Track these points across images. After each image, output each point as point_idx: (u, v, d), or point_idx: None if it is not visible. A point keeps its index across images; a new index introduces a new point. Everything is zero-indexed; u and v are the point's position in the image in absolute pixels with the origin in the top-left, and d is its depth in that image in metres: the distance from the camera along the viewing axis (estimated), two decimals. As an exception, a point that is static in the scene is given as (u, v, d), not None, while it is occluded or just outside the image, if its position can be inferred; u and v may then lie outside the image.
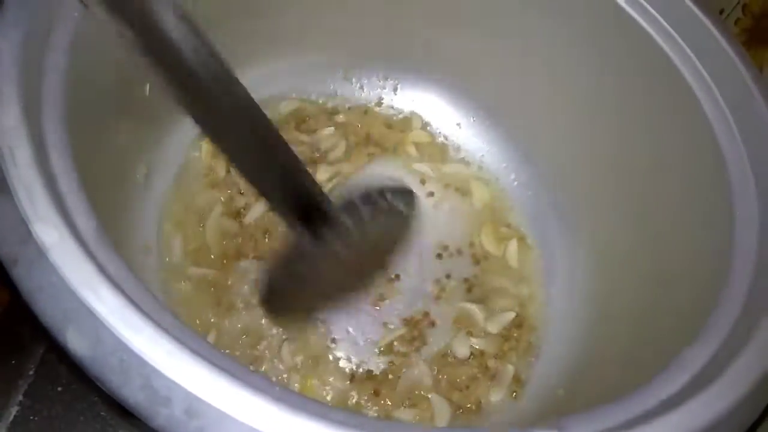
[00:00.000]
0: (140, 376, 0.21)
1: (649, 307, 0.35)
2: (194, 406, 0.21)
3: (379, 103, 0.51)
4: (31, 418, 0.40)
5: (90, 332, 0.21)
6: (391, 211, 0.33)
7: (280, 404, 0.21)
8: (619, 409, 0.25)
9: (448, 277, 0.45)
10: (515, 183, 0.49)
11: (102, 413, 0.40)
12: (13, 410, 0.39)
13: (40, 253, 0.22)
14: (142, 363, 0.21)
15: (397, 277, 0.44)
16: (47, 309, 0.22)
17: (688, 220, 0.36)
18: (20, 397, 0.40)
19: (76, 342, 0.21)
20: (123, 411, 0.40)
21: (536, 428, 0.24)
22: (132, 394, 0.21)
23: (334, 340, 0.41)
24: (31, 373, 0.41)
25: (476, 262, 0.46)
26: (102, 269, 0.22)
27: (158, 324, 0.22)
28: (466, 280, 0.45)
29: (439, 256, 0.46)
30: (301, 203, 0.29)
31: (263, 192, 0.29)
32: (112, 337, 0.21)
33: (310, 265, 0.31)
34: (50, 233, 0.22)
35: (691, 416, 0.24)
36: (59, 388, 0.41)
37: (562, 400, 0.36)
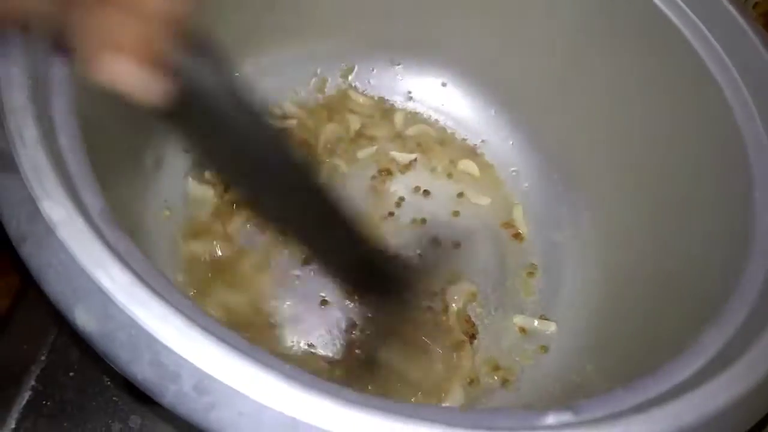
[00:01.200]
0: (149, 352, 0.21)
1: (665, 291, 0.35)
2: (204, 383, 0.21)
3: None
4: (44, 402, 0.40)
5: (99, 309, 0.21)
6: None
7: (291, 381, 0.21)
8: (633, 393, 0.24)
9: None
10: (524, 169, 0.49)
11: (114, 398, 0.40)
12: (26, 395, 0.40)
13: (48, 231, 0.22)
14: (151, 339, 0.21)
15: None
16: (56, 286, 0.22)
17: (706, 202, 0.35)
18: (33, 383, 0.40)
19: (85, 319, 0.21)
20: (135, 395, 0.40)
21: (550, 411, 0.23)
22: (141, 370, 0.21)
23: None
24: (43, 358, 0.41)
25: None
26: (110, 247, 0.22)
27: (167, 300, 0.21)
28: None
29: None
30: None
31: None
32: (121, 314, 0.21)
33: None
34: (58, 211, 0.22)
35: (705, 400, 0.24)
36: (71, 374, 0.41)
37: (575, 383, 0.36)
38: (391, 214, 0.46)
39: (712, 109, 0.36)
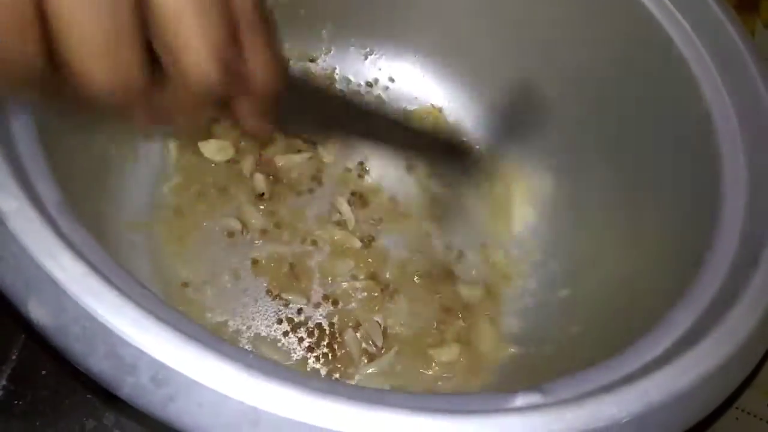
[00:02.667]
0: (105, 345, 0.20)
1: (633, 270, 0.35)
2: (161, 374, 0.20)
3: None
4: (16, 402, 0.39)
5: (52, 301, 0.21)
6: None
7: (251, 370, 0.20)
8: (602, 372, 0.24)
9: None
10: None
11: (88, 395, 0.40)
12: (-3, 395, 0.39)
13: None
14: (106, 331, 0.20)
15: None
16: (8, 279, 0.21)
17: (675, 180, 0.35)
18: (3, 382, 0.39)
19: (38, 311, 0.21)
20: (110, 394, 0.40)
21: (519, 393, 0.23)
22: (96, 363, 0.20)
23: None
24: (14, 357, 0.40)
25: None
26: (64, 237, 0.22)
27: (123, 291, 0.21)
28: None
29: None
30: None
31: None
32: (75, 306, 0.21)
33: None
34: (9, 202, 0.22)
35: (673, 378, 0.24)
36: (43, 372, 0.40)
37: (544, 362, 0.35)
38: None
39: (681, 88, 0.36)
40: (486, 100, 0.48)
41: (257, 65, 0.24)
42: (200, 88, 0.21)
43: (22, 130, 0.25)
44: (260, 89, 0.25)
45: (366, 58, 0.49)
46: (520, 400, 0.23)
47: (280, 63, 0.25)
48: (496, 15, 0.45)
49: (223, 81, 0.22)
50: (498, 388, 0.37)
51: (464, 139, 0.48)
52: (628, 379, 0.24)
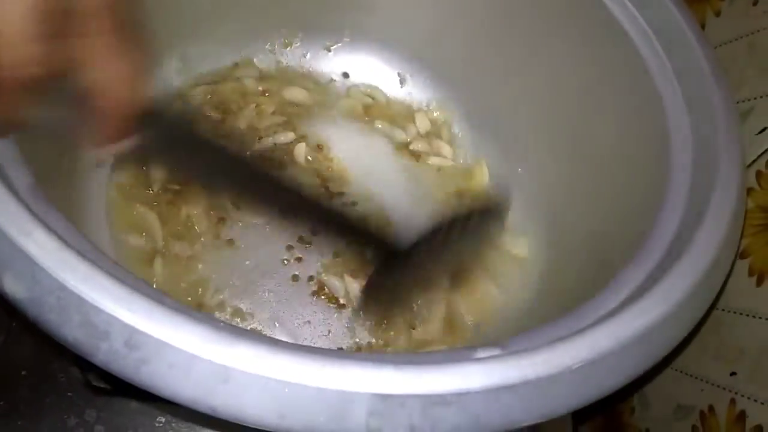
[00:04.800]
0: (78, 314, 0.21)
1: (594, 233, 0.36)
2: (134, 338, 0.21)
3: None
4: (-3, 403, 0.39)
5: (26, 275, 0.22)
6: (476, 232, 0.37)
7: (220, 331, 0.22)
8: (558, 327, 0.26)
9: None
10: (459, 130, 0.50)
11: (68, 393, 0.40)
12: (-23, 396, 0.39)
13: (-28, 205, 0.22)
14: (79, 300, 0.21)
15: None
16: (-17, 257, 0.22)
17: (629, 153, 0.37)
18: (-17, 383, 0.40)
19: (13, 286, 0.22)
20: (91, 390, 0.40)
21: (479, 347, 0.24)
22: (71, 331, 0.21)
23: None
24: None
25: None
26: (37, 216, 0.23)
27: (94, 262, 0.22)
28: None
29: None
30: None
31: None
32: (49, 278, 0.21)
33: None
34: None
35: (621, 328, 0.25)
36: (23, 372, 0.40)
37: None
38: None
39: (630, 69, 0.38)
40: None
41: (106, 72, 0.24)
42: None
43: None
44: (108, 100, 0.25)
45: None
46: (481, 353, 0.24)
47: (130, 75, 0.25)
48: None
49: (38, 69, 0.22)
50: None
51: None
52: (580, 332, 0.25)
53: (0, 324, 0.41)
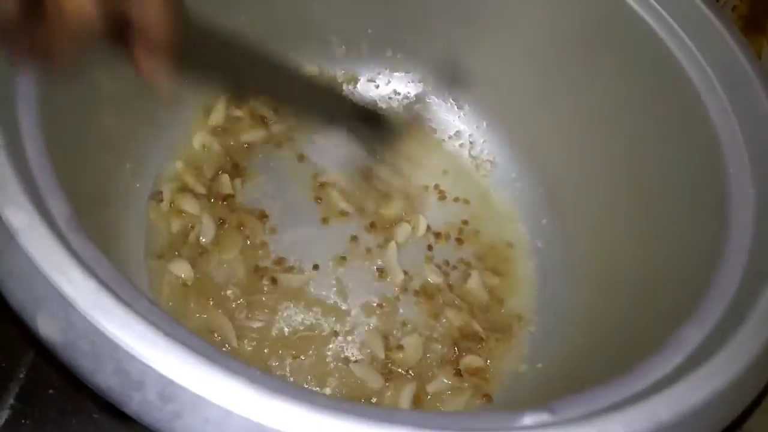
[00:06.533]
0: (112, 360, 0.20)
1: (645, 290, 0.35)
2: (168, 390, 0.20)
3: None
4: (23, 421, 0.39)
5: (61, 316, 0.21)
6: None
7: (257, 386, 0.20)
8: (610, 391, 0.24)
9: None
10: (511, 175, 0.49)
11: (94, 415, 0.40)
12: (4, 414, 0.39)
13: (10, 238, 0.22)
14: (114, 347, 0.20)
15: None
16: (18, 295, 0.21)
17: (684, 203, 0.35)
18: (11, 401, 0.39)
19: (47, 327, 0.21)
20: (116, 413, 0.39)
21: (527, 411, 0.23)
22: (104, 378, 0.20)
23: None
24: (21, 376, 0.40)
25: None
26: (74, 253, 0.22)
27: (131, 307, 0.21)
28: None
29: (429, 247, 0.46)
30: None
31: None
32: (84, 321, 0.21)
33: None
34: (20, 217, 0.22)
35: (681, 397, 0.23)
36: (51, 391, 0.40)
37: (553, 380, 0.35)
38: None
39: (690, 117, 0.36)
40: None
41: (147, 9, 0.24)
42: (78, 25, 0.22)
43: (32, 144, 0.26)
44: (152, 34, 0.25)
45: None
46: (529, 419, 0.22)
47: (171, 10, 0.25)
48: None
49: (102, 19, 0.22)
50: (506, 406, 0.36)
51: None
52: (637, 398, 0.23)
53: (29, 341, 0.41)
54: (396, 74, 0.51)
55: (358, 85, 0.51)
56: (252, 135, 0.47)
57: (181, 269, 0.40)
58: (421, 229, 0.45)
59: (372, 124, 0.43)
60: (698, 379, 0.24)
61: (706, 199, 0.33)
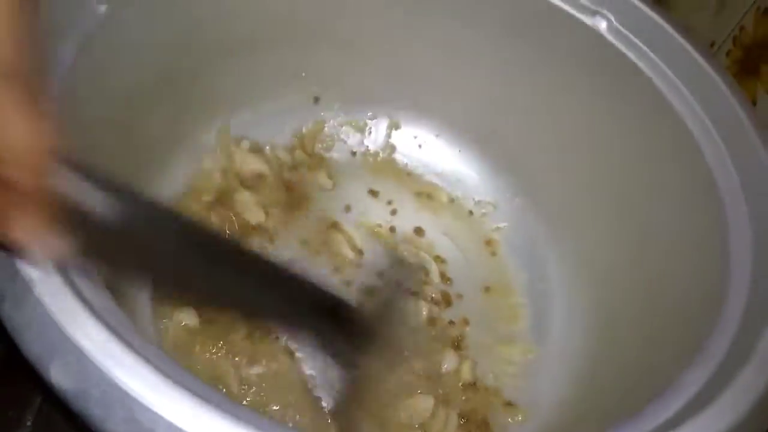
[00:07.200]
0: (123, 409, 0.21)
1: (646, 336, 0.35)
2: (178, 439, 0.20)
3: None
4: (31, 468, 0.39)
5: (73, 365, 0.21)
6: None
7: (265, 435, 0.21)
8: (616, 435, 0.24)
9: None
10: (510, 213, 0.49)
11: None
12: (13, 462, 0.39)
13: (26, 289, 0.22)
14: (124, 395, 0.21)
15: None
16: (33, 344, 0.22)
17: (683, 250, 0.36)
18: (19, 449, 0.39)
19: (60, 375, 0.21)
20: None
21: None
22: (115, 427, 0.21)
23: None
24: (29, 423, 0.40)
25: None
26: (86, 302, 0.23)
27: (141, 355, 0.22)
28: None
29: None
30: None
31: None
32: (95, 370, 0.21)
33: None
34: (35, 269, 0.23)
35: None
36: (60, 438, 0.40)
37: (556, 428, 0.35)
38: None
39: (685, 156, 0.37)
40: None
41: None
42: None
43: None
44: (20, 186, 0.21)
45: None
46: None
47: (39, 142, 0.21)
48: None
49: None
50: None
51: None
52: (641, 442, 0.24)
53: (36, 387, 0.41)
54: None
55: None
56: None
57: (187, 317, 0.40)
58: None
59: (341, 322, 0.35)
60: (702, 421, 0.24)
61: (706, 245, 0.33)
